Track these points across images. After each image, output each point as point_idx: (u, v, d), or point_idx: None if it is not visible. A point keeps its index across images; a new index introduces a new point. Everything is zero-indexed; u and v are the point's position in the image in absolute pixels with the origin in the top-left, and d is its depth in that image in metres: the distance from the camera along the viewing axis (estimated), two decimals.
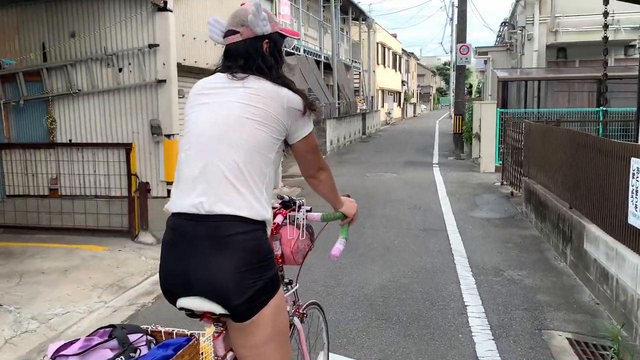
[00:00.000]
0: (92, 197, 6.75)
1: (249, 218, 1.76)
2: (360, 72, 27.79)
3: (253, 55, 1.90)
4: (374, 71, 32.69)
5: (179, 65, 6.53)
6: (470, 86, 23.27)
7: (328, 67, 19.92)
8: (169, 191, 6.04)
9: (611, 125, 11.20)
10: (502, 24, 18.83)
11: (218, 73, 1.96)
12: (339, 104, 22.68)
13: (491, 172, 12.31)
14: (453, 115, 19.29)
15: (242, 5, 1.98)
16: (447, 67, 61.76)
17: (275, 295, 1.82)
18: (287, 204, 2.26)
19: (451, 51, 52.62)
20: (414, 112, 54.60)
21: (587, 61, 15.17)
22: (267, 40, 1.93)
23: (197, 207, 1.78)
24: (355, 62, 27.69)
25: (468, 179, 11.43)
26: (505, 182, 10.49)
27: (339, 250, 2.17)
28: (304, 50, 17.26)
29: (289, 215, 2.22)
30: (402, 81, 46.60)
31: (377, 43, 34.15)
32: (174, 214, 1.85)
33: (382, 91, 36.89)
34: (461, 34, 16.87)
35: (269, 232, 1.87)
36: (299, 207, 2.24)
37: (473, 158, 15.27)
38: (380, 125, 31.14)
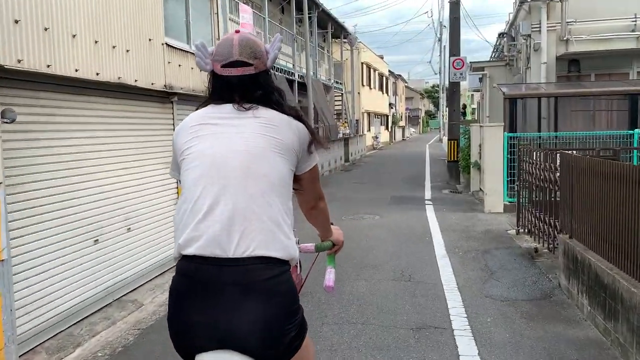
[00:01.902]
0: None
1: (280, 259, 1.64)
2: (342, 94, 25.36)
3: (268, 88, 1.85)
4: (358, 93, 30.37)
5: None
6: (464, 106, 20.93)
7: (304, 87, 17.43)
8: None
9: None
10: (499, 35, 16.52)
11: (217, 105, 1.83)
12: (316, 128, 20.17)
13: (499, 213, 9.73)
14: (446, 139, 16.91)
15: (236, 32, 1.87)
16: (437, 88, 60.02)
17: (305, 338, 1.74)
18: None
19: (440, 72, 50.85)
20: (403, 135, 52.41)
21: (604, 75, 12.78)
22: (269, 73, 1.89)
23: (223, 249, 1.61)
24: (338, 82, 25.32)
25: (472, 224, 8.83)
26: (521, 230, 7.91)
27: (332, 280, 2.15)
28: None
29: None
30: (390, 104, 44.46)
31: (362, 63, 31.94)
32: (187, 258, 1.65)
33: (368, 114, 34.55)
34: (454, 46, 14.50)
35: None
36: None
37: (472, 191, 12.72)
38: (366, 150, 28.67)
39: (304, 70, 18.07)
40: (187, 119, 1.87)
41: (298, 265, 2.06)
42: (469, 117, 29.84)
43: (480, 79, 19.06)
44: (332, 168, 18.46)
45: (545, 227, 6.68)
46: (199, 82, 7.45)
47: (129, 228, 5.85)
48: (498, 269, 6.13)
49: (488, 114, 16.83)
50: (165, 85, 6.46)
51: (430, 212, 10.11)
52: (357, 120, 29.20)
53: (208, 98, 1.90)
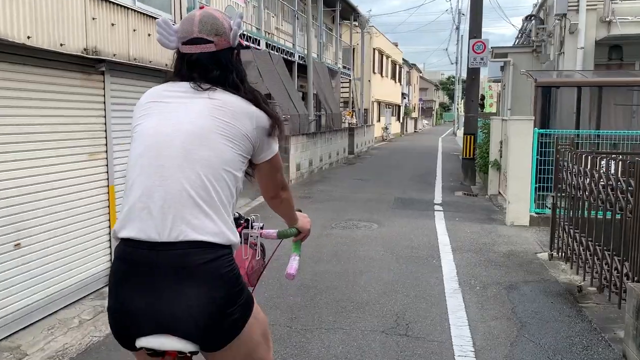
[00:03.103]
0: None
1: (217, 243, 1.60)
2: (350, 80, 23.52)
3: (229, 67, 1.77)
4: (369, 80, 28.52)
5: None
6: (483, 98, 18.97)
7: (306, 70, 15.64)
8: None
9: None
10: (526, 18, 14.60)
11: (175, 82, 1.78)
12: (316, 116, 18.39)
13: (523, 226, 7.97)
14: (460, 133, 15.14)
15: (201, 8, 1.82)
16: (452, 79, 57.80)
17: (251, 317, 1.69)
18: (238, 222, 2.03)
19: (457, 63, 48.77)
20: (415, 127, 50.42)
21: None
22: (236, 52, 1.83)
23: (158, 232, 1.58)
24: (346, 68, 23.49)
25: (491, 241, 7.08)
26: (555, 254, 6.17)
27: (294, 268, 2.08)
28: (266, 43, 13.02)
29: (242, 234, 2.00)
30: (403, 94, 42.50)
31: (374, 49, 30.05)
32: (125, 241, 1.62)
33: (379, 103, 32.69)
34: (475, 26, 12.63)
35: (234, 255, 1.69)
36: (251, 224, 2.08)
37: (490, 195, 10.97)
38: (374, 142, 26.86)
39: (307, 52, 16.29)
40: (143, 96, 1.83)
41: (259, 250, 2.05)
42: (487, 109, 27.84)
43: (502, 67, 17.19)
44: (334, 161, 16.72)
45: (595, 259, 4.93)
46: (146, 49, 5.76)
47: (19, 244, 4.20)
48: (530, 319, 4.39)
49: (510, 107, 15.00)
50: (85, 49, 4.76)
51: (440, 221, 8.36)
52: (365, 109, 27.37)
53: (171, 76, 1.83)
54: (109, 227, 5.40)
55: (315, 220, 8.12)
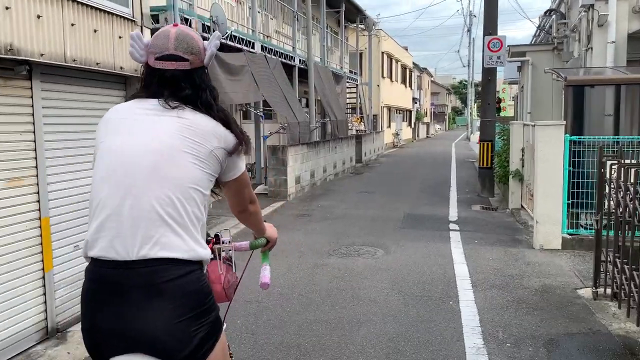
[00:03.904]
0: None
1: (187, 260, 1.61)
2: (358, 85, 22.40)
3: (201, 86, 1.78)
4: (377, 85, 27.41)
5: None
6: (499, 101, 17.71)
7: (307, 74, 14.55)
8: None
9: None
10: (546, 12, 13.39)
11: (143, 99, 1.77)
12: (321, 123, 17.30)
13: (555, 250, 6.78)
14: (474, 137, 13.89)
15: (174, 26, 1.81)
16: (465, 82, 56.55)
17: (220, 339, 1.70)
18: (207, 239, 1.94)
19: (469, 66, 47.51)
20: (427, 132, 49.13)
21: None
22: (206, 71, 1.84)
23: (127, 251, 1.58)
24: (353, 72, 22.39)
25: (519, 272, 5.89)
26: (601, 290, 4.98)
27: (268, 277, 2.13)
28: (262, 46, 11.95)
29: (215, 249, 1.98)
30: (414, 98, 41.31)
31: (383, 53, 28.95)
32: (95, 261, 1.63)
33: (389, 109, 31.54)
34: (490, 22, 11.46)
35: (205, 271, 1.72)
36: (220, 238, 2.04)
37: (512, 209, 9.77)
38: (384, 149, 25.67)
39: (314, 57, 15.23)
40: (108, 112, 1.82)
41: (233, 264, 2.05)
42: (504, 113, 26.55)
43: (519, 68, 15.98)
44: (339, 171, 15.57)
45: None
46: (91, 48, 4.70)
47: None
48: None
49: (529, 110, 13.80)
50: None
51: (456, 244, 7.19)
52: (374, 115, 26.23)
53: (138, 91, 1.84)
54: (43, 269, 4.33)
55: (310, 246, 7.03)
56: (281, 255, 6.55)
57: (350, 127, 19.63)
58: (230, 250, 2.04)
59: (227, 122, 1.77)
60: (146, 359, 1.57)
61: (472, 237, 7.63)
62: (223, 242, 2.03)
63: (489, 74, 11.54)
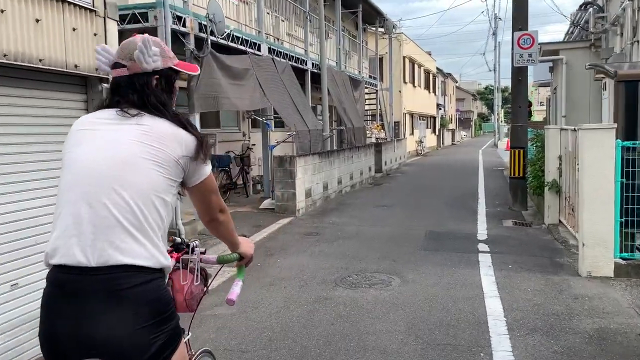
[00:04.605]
0: None
1: (147, 267, 1.63)
2: (377, 91, 21.39)
3: (144, 91, 1.80)
4: (399, 91, 26.37)
5: None
6: (530, 104, 16.44)
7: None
8: None
9: None
10: (581, 6, 12.21)
11: (104, 109, 1.82)
12: (338, 131, 16.33)
13: (607, 278, 5.66)
14: (502, 144, 12.67)
15: (134, 36, 1.86)
16: (491, 88, 54.99)
17: (178, 348, 1.71)
18: (179, 247, 2.08)
19: (495, 70, 46.07)
20: (453, 139, 47.73)
21: None
22: (157, 76, 1.84)
23: (87, 258, 1.60)
24: (373, 77, 21.40)
25: (565, 310, 4.78)
26: None
27: (235, 294, 2.08)
28: (270, 49, 11.06)
29: (182, 259, 2.04)
30: (438, 104, 40.07)
31: (404, 57, 27.88)
32: (56, 267, 1.65)
33: (411, 115, 30.41)
34: (520, 17, 10.34)
35: (167, 279, 1.76)
36: (192, 249, 2.07)
37: (548, 225, 8.64)
38: (406, 157, 24.53)
39: (331, 61, 14.30)
40: (74, 124, 1.85)
41: (198, 275, 2.04)
42: (532, 118, 25.20)
43: (551, 68, 14.79)
44: (357, 182, 14.54)
45: None
46: (31, 41, 3.84)
47: None
48: None
49: (564, 113, 12.62)
50: None
51: (487, 270, 6.11)
52: (396, 122, 25.16)
53: (103, 100, 1.88)
54: None
55: (315, 273, 6.03)
56: (280, 284, 5.56)
57: (369, 135, 18.61)
58: (197, 261, 2.03)
59: (184, 124, 1.78)
60: None
61: (504, 260, 6.53)
62: (194, 253, 2.04)
63: (519, 74, 10.40)
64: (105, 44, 4.73)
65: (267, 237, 8.14)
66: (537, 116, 39.72)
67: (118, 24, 7.94)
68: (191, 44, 8.15)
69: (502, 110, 47.42)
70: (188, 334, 2.10)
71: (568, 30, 15.14)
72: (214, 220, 1.96)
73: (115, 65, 1.81)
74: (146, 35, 1.84)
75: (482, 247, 7.31)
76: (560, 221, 8.60)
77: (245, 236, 2.19)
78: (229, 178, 11.32)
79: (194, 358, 2.20)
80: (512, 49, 10.20)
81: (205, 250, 2.09)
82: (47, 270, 1.69)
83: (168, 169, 1.70)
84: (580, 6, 12.33)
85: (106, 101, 1.84)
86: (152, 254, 1.63)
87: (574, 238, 7.41)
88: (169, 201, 1.72)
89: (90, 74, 4.54)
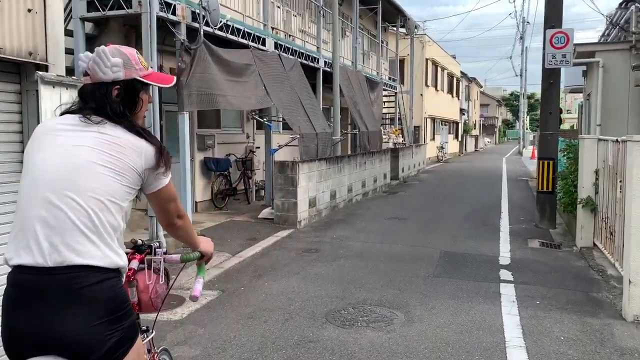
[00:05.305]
0: None
1: (102, 267, 1.68)
2: (397, 93, 20.37)
3: (104, 100, 1.83)
4: (420, 94, 25.31)
5: None
6: (561, 111, 15.31)
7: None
8: None
9: None
10: (621, 4, 11.07)
11: (68, 114, 1.86)
12: (352, 135, 15.37)
13: None
14: (527, 152, 11.44)
15: (108, 45, 1.90)
16: (517, 94, 53.38)
17: (134, 345, 1.75)
18: (141, 249, 2.16)
19: (521, 76, 44.61)
20: (476, 146, 46.34)
21: None
22: (117, 87, 1.87)
23: (45, 258, 1.65)
24: (392, 79, 20.40)
25: None
26: None
27: (199, 290, 2.16)
28: (277, 44, 10.16)
29: (146, 259, 2.12)
30: (461, 109, 38.82)
31: (427, 59, 26.79)
32: (16, 267, 1.70)
33: (433, 120, 29.27)
34: (554, 13, 9.27)
35: (123, 279, 1.80)
36: (155, 250, 2.16)
37: (581, 248, 7.57)
38: (426, 163, 23.44)
39: (346, 61, 13.36)
40: (37, 128, 1.88)
41: (163, 274, 2.11)
42: (562, 126, 23.87)
43: (584, 72, 13.63)
44: (369, 190, 13.55)
45: None
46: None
47: None
48: None
49: (599, 122, 11.45)
50: None
51: (510, 307, 5.10)
52: (416, 126, 24.09)
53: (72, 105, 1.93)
54: None
55: (304, 303, 5.12)
56: (260, 317, 4.65)
57: (386, 140, 17.60)
58: (161, 261, 2.12)
59: (143, 135, 1.83)
60: None
61: (531, 294, 5.51)
62: (156, 254, 2.13)
63: (550, 76, 9.34)
64: (45, 22, 3.88)
65: (260, 254, 7.21)
66: (565, 124, 38.23)
67: (100, 10, 7.20)
68: (182, 35, 7.30)
69: (528, 117, 45.87)
70: (152, 332, 2.26)
71: (604, 32, 13.96)
72: (172, 225, 2.02)
73: (85, 73, 1.87)
74: (110, 45, 1.88)
75: (504, 274, 6.29)
76: (594, 244, 7.53)
77: (204, 235, 2.26)
78: (228, 183, 10.45)
79: (156, 355, 2.32)
80: (544, 48, 9.14)
81: (166, 250, 2.18)
82: (8, 271, 1.71)
83: (126, 177, 1.76)
84: (621, 4, 11.19)
85: (72, 107, 1.87)
86: (107, 254, 1.68)
87: (612, 267, 6.36)
88: (124, 206, 1.77)
89: (23, 59, 3.69)
